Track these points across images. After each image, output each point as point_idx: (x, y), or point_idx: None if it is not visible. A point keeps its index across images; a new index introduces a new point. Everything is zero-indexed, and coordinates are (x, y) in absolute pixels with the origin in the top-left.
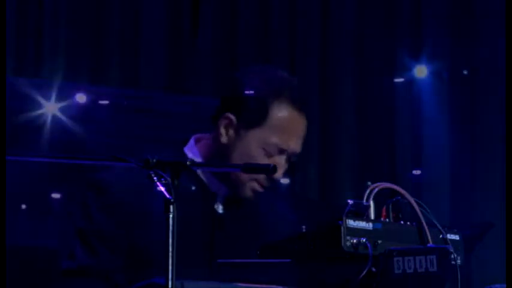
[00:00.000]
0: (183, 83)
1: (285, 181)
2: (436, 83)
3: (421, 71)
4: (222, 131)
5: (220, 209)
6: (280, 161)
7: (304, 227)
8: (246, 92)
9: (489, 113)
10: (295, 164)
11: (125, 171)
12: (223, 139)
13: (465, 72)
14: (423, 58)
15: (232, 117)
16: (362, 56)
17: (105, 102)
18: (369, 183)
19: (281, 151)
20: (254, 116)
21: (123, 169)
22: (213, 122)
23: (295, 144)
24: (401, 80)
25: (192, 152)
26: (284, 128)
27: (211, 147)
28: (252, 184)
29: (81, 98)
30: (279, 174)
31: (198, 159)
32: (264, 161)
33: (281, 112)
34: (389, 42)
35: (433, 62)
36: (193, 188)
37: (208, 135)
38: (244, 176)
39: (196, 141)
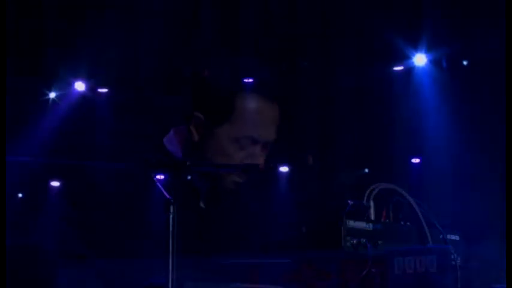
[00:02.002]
0: (183, 82)
1: (284, 169)
2: (435, 72)
3: (420, 60)
4: (193, 130)
5: (202, 204)
6: (255, 151)
7: (304, 227)
8: (212, 89)
9: (489, 109)
10: (293, 157)
11: None
12: (195, 137)
13: (465, 62)
14: (422, 47)
15: (201, 116)
16: (361, 45)
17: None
18: (366, 170)
19: (254, 141)
20: (221, 112)
21: None
22: (185, 121)
23: (266, 133)
24: (400, 68)
25: (171, 143)
26: (253, 119)
27: (187, 143)
28: (232, 176)
29: (80, 87)
30: (260, 164)
31: (176, 151)
32: (239, 154)
33: (248, 104)
34: (389, 30)
35: (433, 51)
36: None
37: (186, 129)
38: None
39: (176, 133)
